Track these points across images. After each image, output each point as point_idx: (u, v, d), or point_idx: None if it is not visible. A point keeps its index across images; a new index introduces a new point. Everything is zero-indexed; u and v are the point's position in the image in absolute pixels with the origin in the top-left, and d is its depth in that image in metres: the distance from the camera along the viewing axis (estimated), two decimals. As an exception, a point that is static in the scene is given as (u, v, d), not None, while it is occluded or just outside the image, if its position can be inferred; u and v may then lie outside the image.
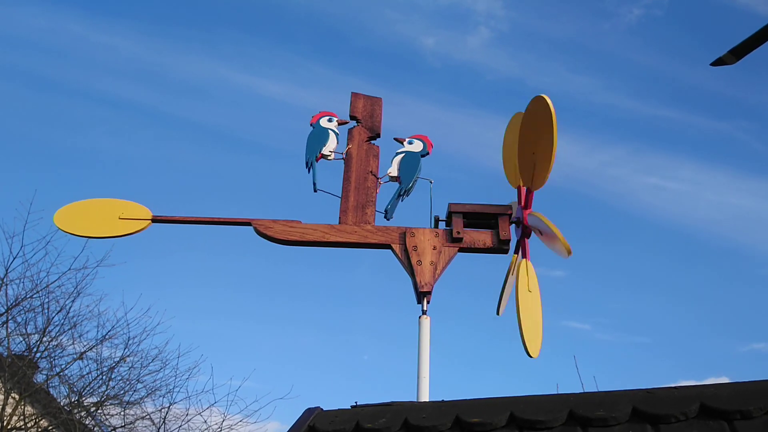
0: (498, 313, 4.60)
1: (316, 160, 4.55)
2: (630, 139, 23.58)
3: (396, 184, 4.54)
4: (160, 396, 10.71)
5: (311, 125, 4.70)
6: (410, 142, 4.68)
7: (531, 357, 4.06)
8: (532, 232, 4.28)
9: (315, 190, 4.46)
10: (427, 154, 4.66)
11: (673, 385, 2.65)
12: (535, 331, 4.13)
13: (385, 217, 4.37)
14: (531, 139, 4.04)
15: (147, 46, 22.69)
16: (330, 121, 4.71)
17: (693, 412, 2.46)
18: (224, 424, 10.59)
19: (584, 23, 22.75)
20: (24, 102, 20.83)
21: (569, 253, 3.79)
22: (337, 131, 4.69)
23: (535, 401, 2.67)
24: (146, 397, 10.67)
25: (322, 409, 2.97)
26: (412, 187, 4.50)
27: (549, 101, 3.82)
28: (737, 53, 4.90)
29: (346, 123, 4.77)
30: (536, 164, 3.98)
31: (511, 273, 4.44)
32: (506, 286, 4.55)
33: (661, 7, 23.53)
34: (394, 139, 4.74)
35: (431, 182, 4.54)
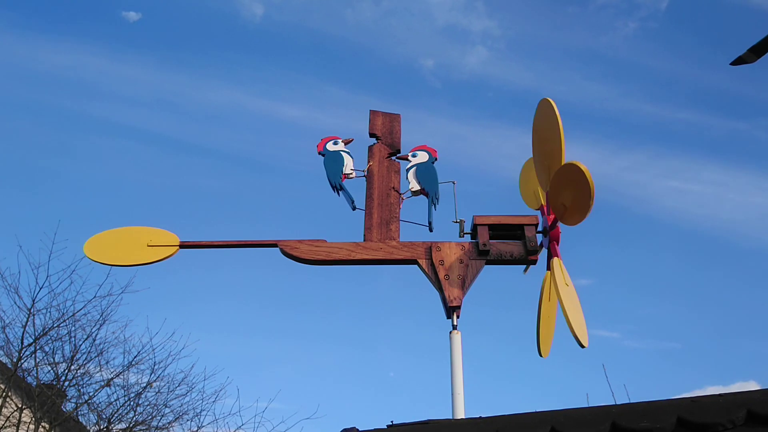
0: (541, 355, 4.36)
1: (342, 181, 4.58)
2: (649, 144, 23.41)
3: (421, 198, 4.54)
4: (187, 420, 10.70)
5: (320, 153, 4.74)
6: (414, 155, 4.72)
7: (541, 356, 4.27)
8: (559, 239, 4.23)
9: (353, 209, 4.47)
10: (436, 160, 4.69)
11: (717, 393, 2.59)
12: (549, 334, 4.29)
13: (429, 230, 4.39)
14: (563, 192, 3.78)
15: (165, 77, 23.05)
16: (335, 144, 4.76)
17: (740, 420, 2.40)
18: (252, 446, 10.56)
19: (582, 37, 22.81)
20: (47, 136, 21.26)
21: (582, 346, 3.67)
22: (347, 150, 4.74)
23: (576, 414, 2.62)
24: (174, 421, 10.67)
25: (358, 429, 2.94)
26: (438, 193, 4.52)
27: (586, 172, 3.46)
28: (757, 51, 4.85)
29: (352, 141, 4.82)
30: (568, 209, 3.79)
31: (548, 298, 4.31)
32: (542, 320, 4.42)
33: (656, 19, 23.50)
34: (398, 157, 4.76)
35: (454, 183, 4.55)
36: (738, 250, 23.83)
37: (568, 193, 3.69)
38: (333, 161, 4.65)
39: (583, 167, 3.49)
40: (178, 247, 4.30)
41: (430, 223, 4.40)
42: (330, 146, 4.75)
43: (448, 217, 4.47)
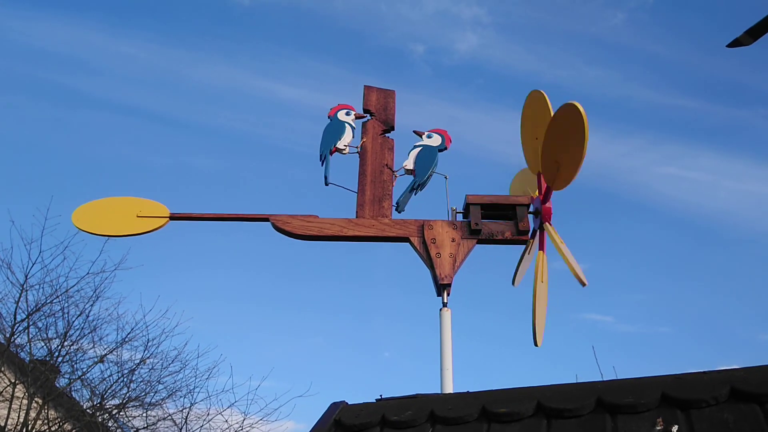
0: (513, 284, 4.55)
1: (330, 154, 4.54)
2: (647, 130, 23.42)
3: (410, 177, 4.52)
4: (180, 397, 10.80)
5: (329, 117, 4.70)
6: (429, 136, 4.66)
7: (536, 346, 4.12)
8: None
9: (326, 184, 4.43)
10: (445, 149, 4.63)
11: (701, 370, 2.60)
12: (542, 321, 4.17)
13: (396, 210, 4.35)
14: (557, 144, 3.82)
15: (164, 55, 22.90)
16: (348, 114, 4.72)
17: (723, 396, 2.41)
18: (245, 423, 10.66)
19: (571, 25, 22.73)
20: (42, 111, 21.14)
21: (584, 284, 3.73)
22: (353, 125, 4.69)
23: (562, 389, 2.64)
24: (167, 398, 10.76)
25: (347, 403, 2.96)
26: (426, 181, 4.47)
27: (582, 110, 3.54)
28: (754, 34, 4.82)
29: (364, 117, 4.76)
30: (561, 168, 3.82)
31: (528, 252, 4.38)
32: (523, 261, 4.50)
33: (645, 10, 23.42)
34: (414, 131, 4.72)
35: (446, 177, 4.52)
36: (732, 237, 23.98)
37: (561, 145, 3.68)
38: (332, 130, 4.62)
39: (580, 107, 3.54)
40: (168, 219, 4.26)
41: (398, 203, 4.37)
42: (341, 115, 4.70)
43: (440, 198, 4.47)
